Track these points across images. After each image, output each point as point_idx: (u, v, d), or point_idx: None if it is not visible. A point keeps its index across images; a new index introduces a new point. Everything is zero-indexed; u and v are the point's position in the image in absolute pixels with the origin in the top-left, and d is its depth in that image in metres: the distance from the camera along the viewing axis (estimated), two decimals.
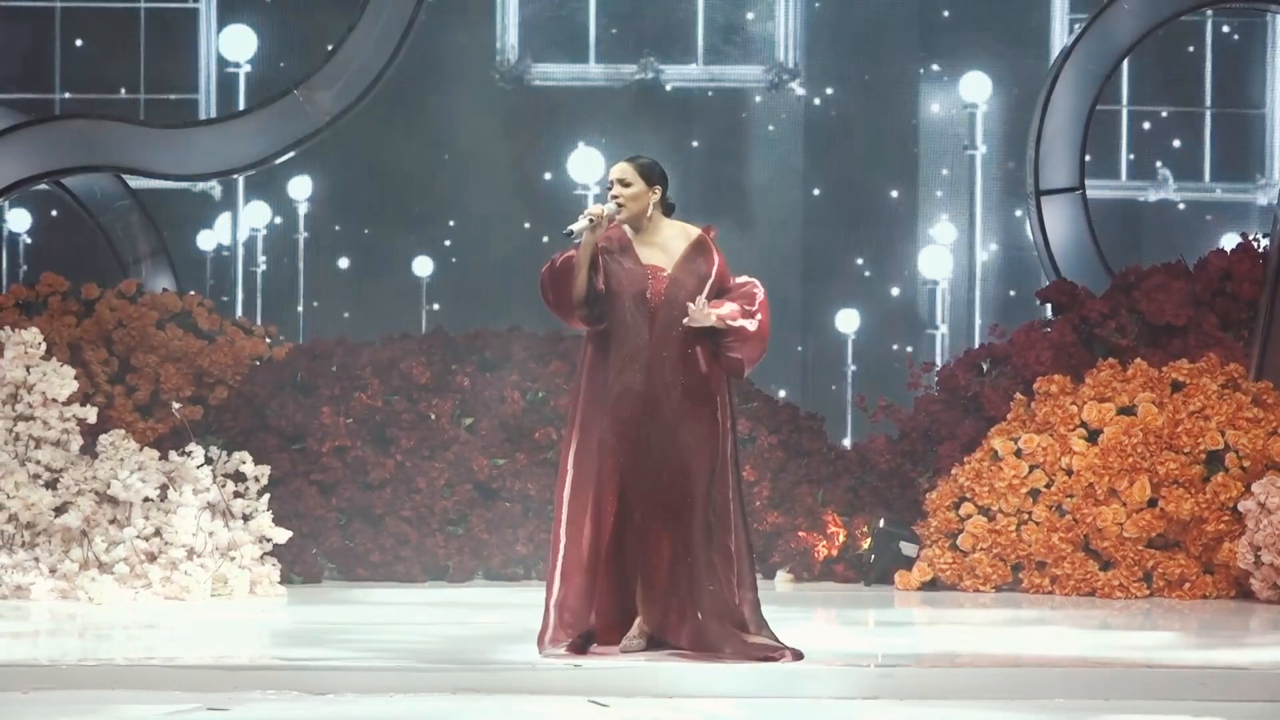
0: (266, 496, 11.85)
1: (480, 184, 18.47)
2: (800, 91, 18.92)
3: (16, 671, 8.28)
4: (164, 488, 11.57)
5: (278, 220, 18.86)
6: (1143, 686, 8.27)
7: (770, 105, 19.03)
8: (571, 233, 8.60)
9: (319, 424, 12.98)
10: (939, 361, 16.85)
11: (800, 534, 12.72)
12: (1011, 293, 18.73)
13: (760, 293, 8.68)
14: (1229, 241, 14.70)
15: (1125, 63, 15.89)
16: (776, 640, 8.59)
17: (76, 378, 11.81)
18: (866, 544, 12.67)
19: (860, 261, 18.92)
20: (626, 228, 8.70)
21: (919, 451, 13.18)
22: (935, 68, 18.91)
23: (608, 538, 8.58)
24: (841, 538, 12.72)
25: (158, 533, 11.42)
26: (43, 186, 15.89)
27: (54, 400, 11.62)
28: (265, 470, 11.91)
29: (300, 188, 18.80)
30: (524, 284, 17.50)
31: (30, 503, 11.32)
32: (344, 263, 18.84)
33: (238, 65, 18.39)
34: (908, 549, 12.46)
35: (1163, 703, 8.14)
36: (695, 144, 18.80)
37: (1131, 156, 19.06)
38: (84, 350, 14.20)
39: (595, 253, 8.62)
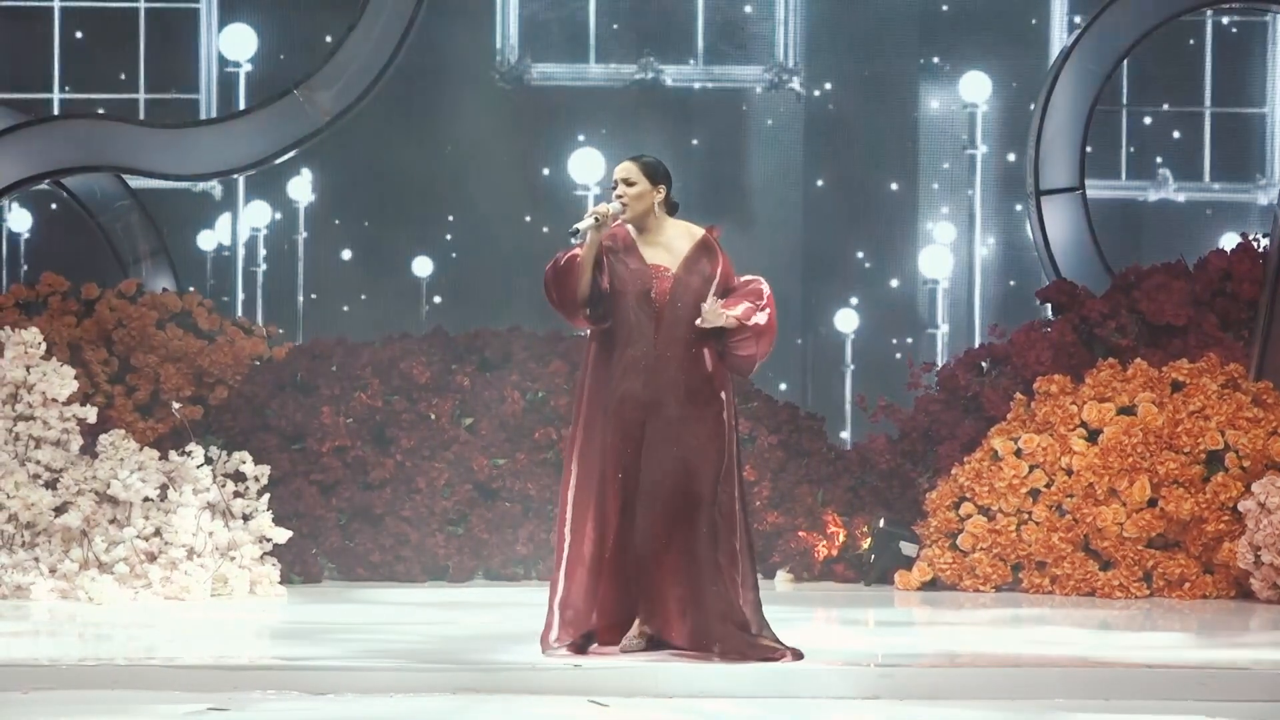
0: (266, 496, 11.86)
1: (480, 184, 18.46)
2: (800, 91, 18.91)
3: (16, 671, 8.29)
4: (164, 488, 11.57)
5: (278, 219, 18.85)
6: (1143, 686, 8.28)
7: (770, 105, 19.02)
8: (577, 231, 8.60)
9: (319, 424, 12.98)
10: (939, 361, 16.85)
11: (800, 534, 12.72)
12: (1011, 282, 18.71)
13: (766, 289, 8.69)
14: (1229, 241, 14.70)
15: (1125, 62, 15.88)
16: (777, 640, 8.59)
17: (76, 378, 11.81)
18: (866, 544, 12.67)
19: (860, 260, 18.92)
20: (630, 227, 8.70)
21: (919, 451, 13.19)
22: (935, 69, 18.90)
23: (611, 538, 8.58)
24: (841, 538, 12.73)
25: (158, 533, 11.42)
26: (43, 186, 15.89)
27: (54, 400, 11.62)
28: (265, 470, 11.91)
29: (300, 188, 18.79)
30: (524, 284, 17.56)
31: (30, 502, 11.32)
32: (344, 263, 18.84)
33: (238, 64, 18.39)
34: (908, 549, 12.47)
35: (1163, 703, 8.14)
36: (695, 143, 18.80)
37: (1132, 153, 19.06)
38: (84, 350, 14.20)
39: (599, 252, 8.62)
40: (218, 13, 18.93)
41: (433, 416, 13.08)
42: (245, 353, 14.37)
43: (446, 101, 18.62)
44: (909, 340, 18.76)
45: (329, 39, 15.33)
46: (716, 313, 8.51)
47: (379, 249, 18.86)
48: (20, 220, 18.87)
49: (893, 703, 8.12)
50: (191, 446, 11.76)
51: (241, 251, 18.83)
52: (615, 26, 19.02)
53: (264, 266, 18.81)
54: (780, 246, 18.47)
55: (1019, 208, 17.90)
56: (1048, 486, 12.15)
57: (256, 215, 18.85)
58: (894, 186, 18.90)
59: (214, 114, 18.52)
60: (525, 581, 12.63)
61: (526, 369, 13.36)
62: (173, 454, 11.75)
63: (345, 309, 18.53)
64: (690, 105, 19.04)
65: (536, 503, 12.79)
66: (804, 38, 19.03)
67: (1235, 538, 11.72)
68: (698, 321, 8.54)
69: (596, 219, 8.59)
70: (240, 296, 18.71)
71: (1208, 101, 19.05)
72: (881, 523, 12.71)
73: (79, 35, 18.93)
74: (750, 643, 8.49)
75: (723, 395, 8.63)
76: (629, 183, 8.67)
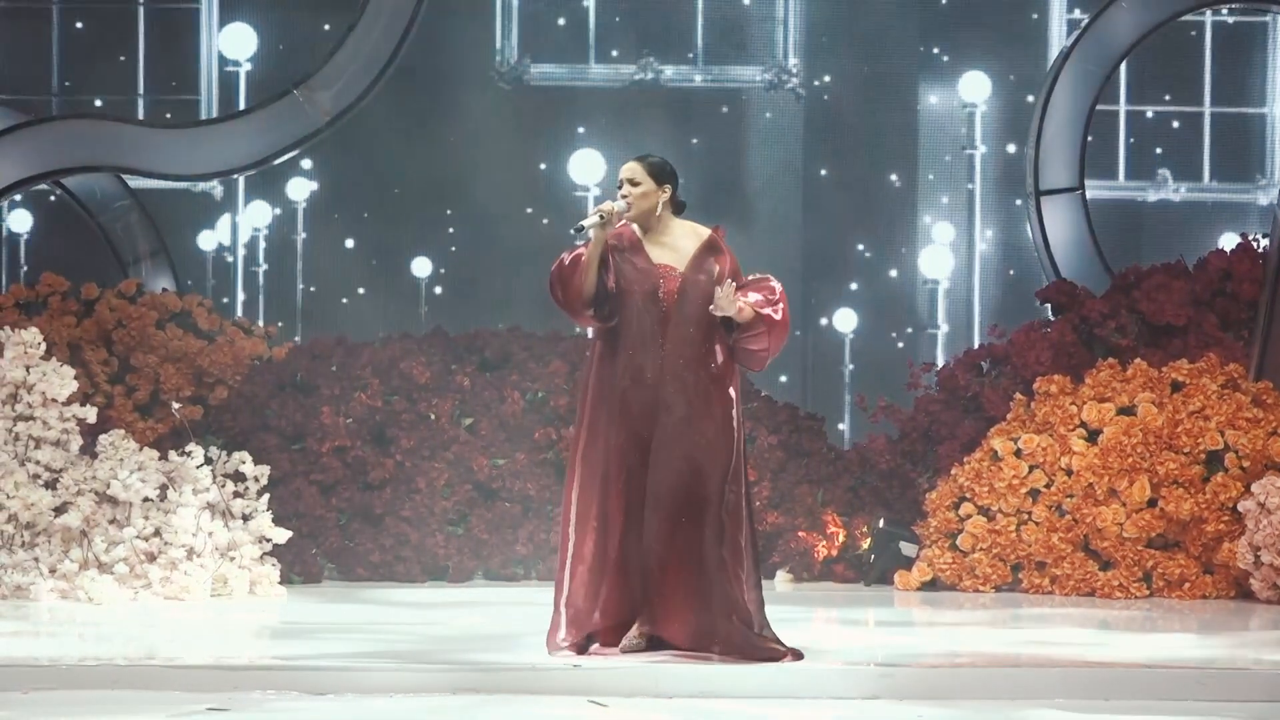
0: (266, 496, 11.85)
1: (480, 184, 18.46)
2: (800, 91, 18.92)
3: (16, 671, 8.29)
4: (164, 488, 11.57)
5: (278, 219, 18.85)
6: (1142, 686, 8.28)
7: (769, 104, 19.03)
8: (582, 228, 8.60)
9: (319, 424, 12.98)
10: (939, 361, 16.85)
11: (800, 534, 12.72)
12: (1011, 271, 18.70)
13: (778, 286, 8.69)
14: (1229, 241, 14.70)
15: (1125, 62, 15.89)
16: (778, 640, 8.59)
17: (76, 378, 11.81)
18: (866, 544, 12.67)
19: (859, 260, 18.92)
20: (635, 227, 8.70)
21: (919, 451, 13.19)
22: (935, 67, 18.90)
23: (615, 538, 8.58)
24: (841, 538, 12.73)
25: (157, 533, 11.42)
26: (43, 186, 15.89)
27: (54, 400, 11.62)
28: (265, 470, 11.91)
29: (299, 188, 18.80)
30: (524, 284, 17.57)
31: (30, 503, 11.32)
32: (343, 263, 18.84)
33: (238, 64, 18.39)
34: (907, 549, 12.47)
35: (1163, 703, 8.15)
36: (694, 142, 18.80)
37: (1131, 153, 19.06)
38: (84, 350, 14.20)
39: (605, 251, 8.62)
40: (218, 13, 18.93)
41: (432, 417, 13.08)
42: (245, 353, 14.37)
43: (446, 101, 18.63)
44: (907, 337, 18.77)
45: (329, 40, 15.32)
46: (730, 299, 8.49)
47: (378, 249, 18.86)
48: (20, 220, 18.88)
49: (892, 703, 8.12)
50: (191, 447, 11.76)
51: (242, 252, 18.83)
52: (616, 22, 19.02)
53: (264, 266, 18.81)
54: (779, 246, 18.48)
55: (1019, 202, 17.89)
56: (1047, 487, 12.15)
57: (256, 215, 18.86)
58: (893, 186, 18.91)
59: (214, 114, 18.52)
60: (525, 582, 12.63)
61: (526, 369, 13.37)
62: (172, 454, 11.74)
63: (344, 309, 18.53)
64: (690, 105, 19.05)
65: (536, 503, 12.79)
66: (803, 38, 19.03)
67: (1235, 538, 11.72)
68: (710, 308, 8.52)
69: (602, 216, 8.59)
70: (241, 297, 18.72)
71: (1208, 101, 19.05)
72: (881, 523, 12.71)
73: (79, 35, 18.93)
74: (752, 641, 8.49)
75: (731, 395, 8.63)
76: (634, 182, 8.68)
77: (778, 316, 8.61)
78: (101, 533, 11.36)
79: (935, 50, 18.85)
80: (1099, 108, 15.55)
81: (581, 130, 18.77)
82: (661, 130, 18.39)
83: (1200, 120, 19.09)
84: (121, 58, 18.96)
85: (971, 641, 9.69)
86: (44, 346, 11.75)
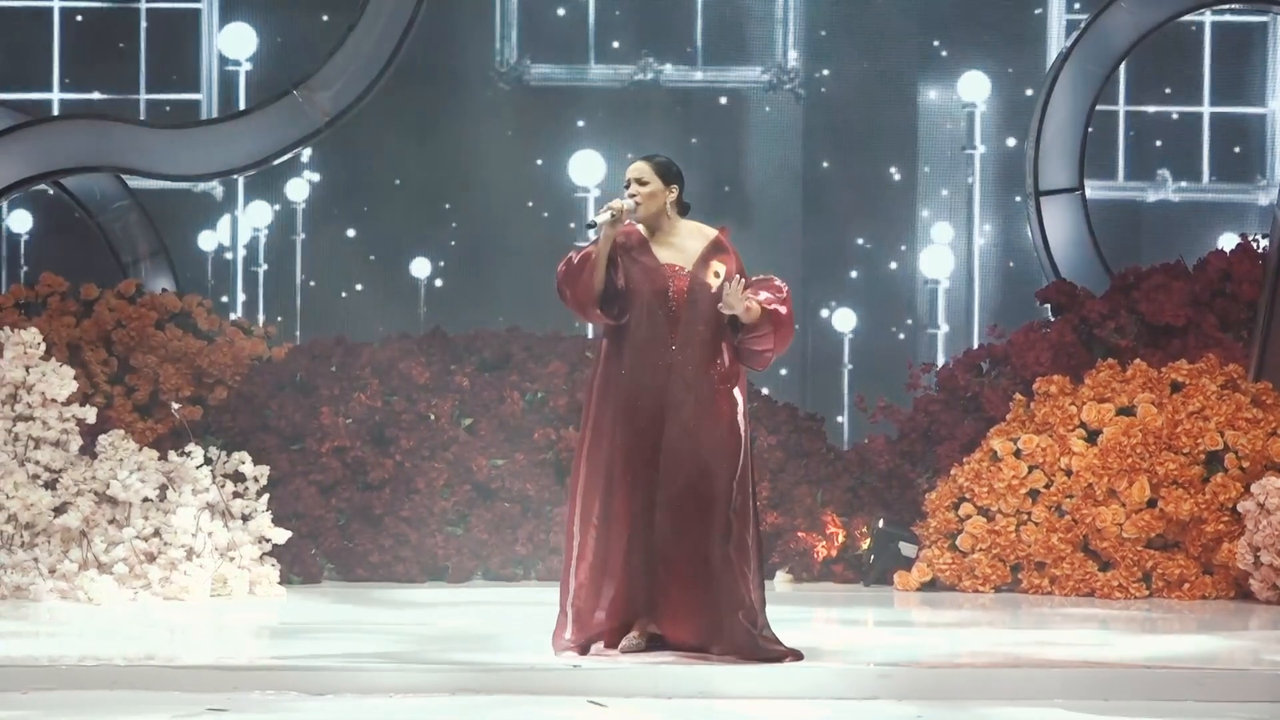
0: (266, 497, 11.85)
1: (479, 184, 18.46)
2: (800, 92, 18.92)
3: (16, 671, 8.29)
4: (163, 488, 11.57)
5: (277, 220, 18.85)
6: (1142, 687, 8.28)
7: (769, 104, 19.02)
8: (593, 224, 8.61)
9: (318, 424, 12.98)
10: (938, 362, 16.84)
11: (799, 534, 12.72)
12: (1011, 264, 18.69)
13: (784, 285, 8.71)
14: (1228, 242, 14.70)
15: (1124, 62, 15.88)
16: (778, 641, 8.59)
17: (76, 378, 11.81)
18: (866, 544, 12.67)
19: (859, 260, 18.92)
20: (641, 227, 8.71)
21: (918, 452, 13.19)
22: (934, 66, 18.90)
23: (620, 538, 8.58)
24: (841, 538, 12.72)
25: (157, 533, 11.42)
26: (42, 187, 15.88)
27: (53, 400, 11.62)
28: (264, 470, 11.91)
29: (299, 188, 18.79)
30: (523, 285, 17.56)
31: (30, 503, 11.32)
32: (342, 263, 18.83)
33: (238, 63, 18.39)
34: (907, 549, 12.46)
35: (1162, 703, 8.15)
36: (694, 141, 18.80)
37: (1131, 151, 19.06)
38: (83, 350, 14.20)
39: (613, 249, 8.63)
40: (219, 13, 18.93)
41: (432, 417, 13.08)
42: (244, 353, 14.36)
43: (446, 102, 18.62)
44: (907, 337, 18.76)
45: (329, 40, 15.31)
46: (738, 295, 8.50)
47: (378, 249, 18.85)
48: (20, 221, 18.87)
49: (892, 703, 8.12)
50: (191, 447, 11.76)
51: (242, 252, 18.83)
52: (615, 22, 19.02)
53: (265, 266, 18.81)
54: (778, 246, 18.47)
55: (1018, 199, 17.89)
56: (1047, 487, 12.15)
57: (257, 216, 18.85)
58: (893, 186, 18.90)
59: (215, 114, 18.51)
60: (524, 582, 12.63)
61: (526, 369, 13.37)
62: (172, 454, 11.74)
63: (343, 309, 18.53)
64: (689, 105, 19.04)
65: (535, 503, 12.78)
66: (803, 38, 19.03)
67: (1234, 538, 11.72)
68: (719, 306, 8.53)
69: (612, 214, 8.60)
70: (241, 297, 18.71)
71: (1207, 101, 19.04)
72: (881, 523, 12.71)
73: (79, 35, 18.93)
74: (755, 640, 8.49)
75: (738, 395, 8.64)
76: (642, 181, 8.69)
77: (784, 312, 8.63)
78: (101, 533, 11.36)
79: (935, 43, 18.85)
80: (1098, 108, 15.54)
81: (581, 127, 18.77)
82: (661, 130, 18.39)
83: (1200, 120, 19.08)
84: (122, 58, 18.95)
85: (971, 642, 9.69)
86: (43, 347, 11.75)
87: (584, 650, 8.59)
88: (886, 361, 17.88)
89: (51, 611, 10.63)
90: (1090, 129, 15.42)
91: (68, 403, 11.68)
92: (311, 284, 18.83)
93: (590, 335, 14.43)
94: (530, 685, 8.22)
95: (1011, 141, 18.58)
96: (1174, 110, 19.09)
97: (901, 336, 18.83)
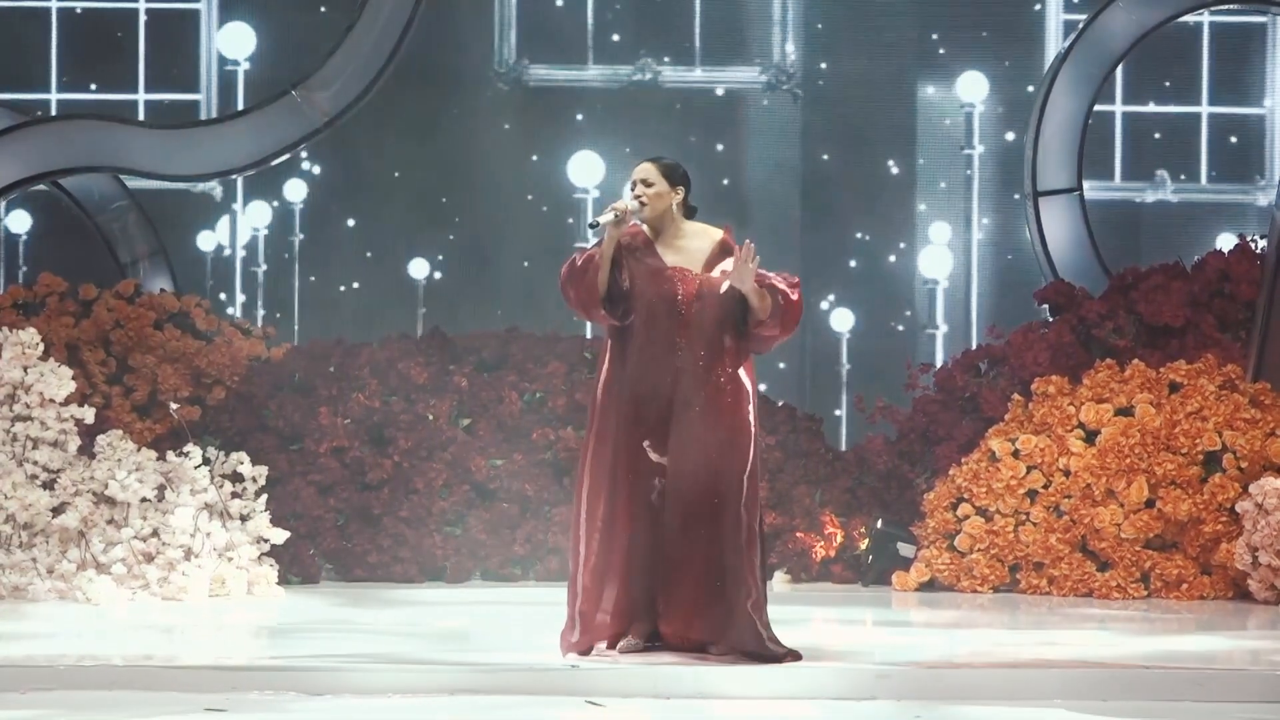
0: (264, 497, 11.86)
1: (478, 185, 18.46)
2: (798, 92, 18.92)
3: (14, 672, 8.29)
4: (161, 488, 11.57)
5: (276, 221, 18.85)
6: (1140, 687, 8.28)
7: (767, 105, 19.02)
8: (596, 224, 8.60)
9: (317, 424, 12.98)
10: (937, 362, 16.84)
11: (798, 534, 12.73)
12: (1009, 257, 18.68)
13: (795, 277, 8.72)
14: (1226, 242, 14.70)
15: (1122, 62, 15.88)
16: (778, 640, 8.60)
17: (74, 378, 11.81)
18: (864, 545, 12.67)
19: (857, 259, 18.92)
20: (646, 228, 8.70)
21: (917, 452, 13.19)
22: (932, 65, 18.90)
23: (622, 540, 8.58)
24: (839, 538, 12.73)
25: (155, 533, 11.42)
26: (40, 187, 15.87)
27: (51, 401, 11.62)
28: (263, 471, 11.91)
29: (298, 189, 18.79)
30: (521, 284, 17.56)
31: (28, 503, 11.32)
32: (341, 263, 18.83)
33: (236, 63, 18.38)
34: (905, 550, 12.47)
35: (1160, 704, 8.15)
36: (692, 141, 18.80)
37: (1129, 151, 19.06)
38: (81, 351, 14.19)
39: (617, 250, 8.62)
40: (217, 12, 18.93)
41: (430, 417, 13.08)
42: (243, 353, 14.35)
43: (444, 102, 18.62)
44: (905, 337, 18.76)
45: (329, 39, 15.30)
46: (749, 269, 8.48)
47: (376, 249, 18.85)
48: (18, 221, 18.86)
49: (890, 703, 8.12)
50: (189, 447, 11.76)
51: (241, 253, 18.82)
52: (614, 23, 19.02)
53: (264, 267, 18.80)
54: (777, 246, 18.46)
55: (1016, 196, 17.89)
56: (1045, 487, 12.16)
57: (256, 216, 18.85)
58: (891, 185, 18.90)
59: (214, 113, 18.50)
60: (523, 582, 12.63)
61: (524, 370, 13.37)
62: (170, 454, 11.74)
63: (342, 309, 18.52)
64: (687, 105, 19.04)
65: (534, 503, 12.78)
66: (801, 37, 19.03)
67: (1233, 538, 11.72)
68: (729, 280, 8.51)
69: (616, 214, 8.59)
70: (240, 298, 18.71)
71: (1205, 102, 19.04)
72: (879, 523, 12.71)
73: (78, 35, 18.92)
74: (760, 637, 8.49)
75: (748, 393, 8.64)
76: (648, 183, 8.68)
77: (795, 298, 8.63)
78: (99, 533, 11.36)
79: (934, 36, 18.85)
80: (1096, 108, 15.54)
81: (580, 128, 18.77)
82: (659, 130, 18.39)
83: (1198, 121, 19.08)
84: (120, 57, 18.94)
85: (969, 642, 9.69)
86: (42, 347, 11.75)
87: (589, 653, 8.58)
88: (885, 361, 17.87)
89: (49, 612, 10.63)
90: (1089, 122, 15.42)
91: (66, 403, 11.68)
92: (311, 279, 18.82)
93: (589, 335, 14.43)
94: (528, 685, 8.22)
95: (1010, 135, 18.57)
96: (1172, 111, 19.09)
97: (900, 328, 18.83)
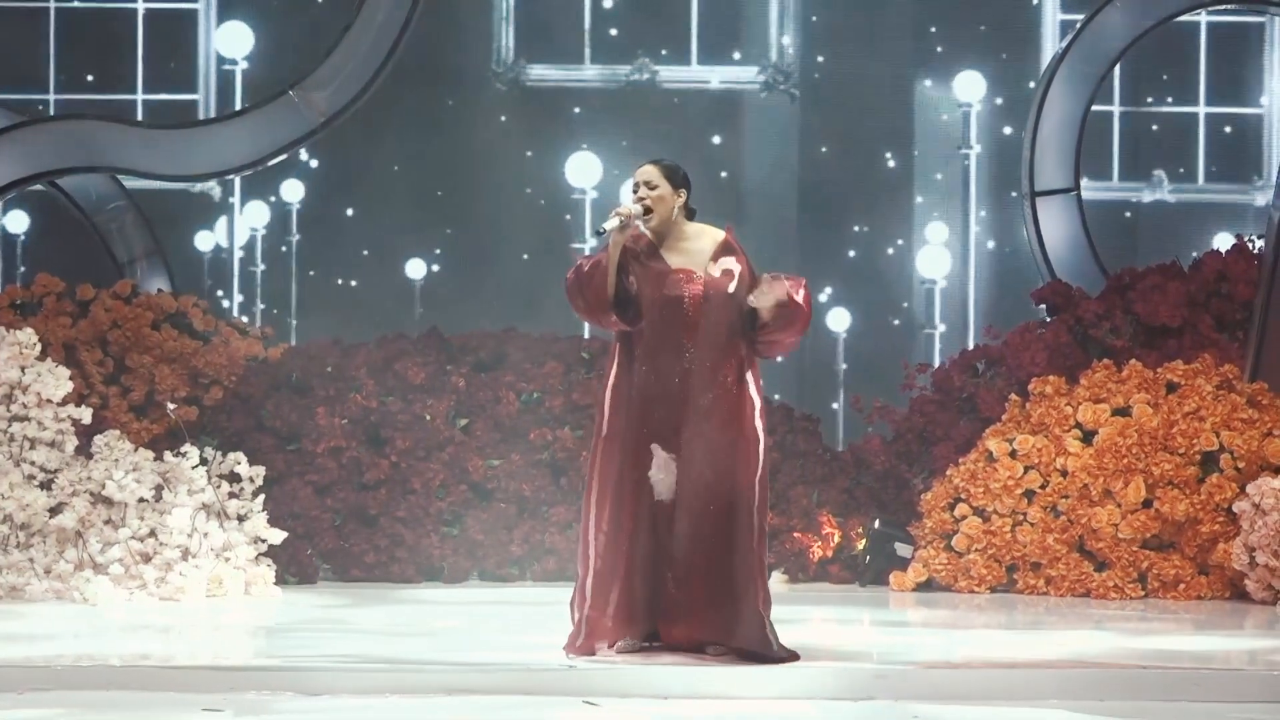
0: (261, 497, 11.85)
1: (476, 185, 18.47)
2: (794, 93, 18.92)
3: (12, 672, 8.29)
4: (159, 488, 11.57)
5: (273, 220, 18.85)
6: (1138, 687, 8.28)
7: (765, 105, 19.03)
8: (602, 231, 8.59)
9: (314, 424, 12.98)
10: (934, 362, 16.84)
11: (795, 535, 12.73)
12: (1008, 252, 18.69)
13: (801, 280, 8.73)
14: (1224, 242, 14.70)
15: (1120, 62, 15.88)
16: (779, 641, 8.60)
17: (71, 378, 11.81)
18: (861, 545, 12.67)
19: (854, 259, 18.93)
20: (648, 231, 8.70)
21: (914, 452, 13.19)
22: (929, 68, 18.91)
23: (626, 544, 8.57)
24: (836, 539, 12.73)
25: (152, 533, 11.42)
26: (38, 187, 15.87)
27: (49, 401, 11.62)
28: (260, 471, 11.91)
29: (295, 189, 18.79)
30: (519, 284, 17.56)
31: (25, 503, 11.32)
32: (338, 263, 18.84)
33: (234, 62, 18.38)
34: (903, 550, 12.47)
35: (1157, 704, 8.15)
36: (691, 142, 18.80)
37: (1126, 151, 19.07)
38: (79, 351, 14.18)
39: (622, 255, 8.62)
40: (215, 12, 18.93)
41: (428, 417, 13.08)
42: (240, 353, 14.35)
43: (442, 102, 18.62)
44: (903, 337, 18.77)
45: (327, 39, 15.29)
46: (770, 294, 8.49)
47: (374, 249, 18.85)
48: (16, 221, 18.87)
49: (888, 703, 8.12)
50: (186, 447, 11.75)
51: (239, 253, 18.83)
52: (611, 23, 19.03)
53: (262, 266, 18.81)
54: (775, 246, 18.47)
55: (1013, 194, 17.90)
56: (1043, 487, 12.16)
57: (254, 216, 18.85)
58: (889, 184, 18.91)
59: (212, 113, 18.51)
60: (520, 582, 12.63)
61: (522, 370, 13.36)
62: (168, 455, 11.74)
63: (339, 309, 18.53)
64: (685, 106, 19.05)
65: (531, 504, 12.79)
66: (799, 38, 19.04)
67: (1230, 539, 11.72)
68: (750, 299, 8.52)
69: (621, 220, 8.59)
70: (238, 298, 18.71)
71: (1203, 102, 19.05)
72: (876, 524, 12.71)
73: (76, 34, 18.92)
74: (765, 636, 8.50)
75: (755, 396, 8.64)
76: (651, 185, 8.68)
77: (803, 306, 8.64)
78: (96, 533, 11.36)
79: (932, 30, 18.85)
80: (1094, 108, 15.54)
81: (577, 128, 18.78)
82: (657, 129, 18.39)
83: (1195, 121, 19.09)
84: (119, 57, 18.94)
85: (967, 642, 9.70)
86: (39, 347, 11.75)
87: (592, 654, 8.59)
88: (882, 361, 17.89)
89: (47, 612, 10.63)
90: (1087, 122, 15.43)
91: (63, 403, 11.68)
92: (308, 284, 18.82)
93: (586, 336, 14.43)
94: (526, 686, 8.22)
95: (1008, 130, 18.57)
96: (1169, 111, 19.10)
97: (898, 324, 18.84)
